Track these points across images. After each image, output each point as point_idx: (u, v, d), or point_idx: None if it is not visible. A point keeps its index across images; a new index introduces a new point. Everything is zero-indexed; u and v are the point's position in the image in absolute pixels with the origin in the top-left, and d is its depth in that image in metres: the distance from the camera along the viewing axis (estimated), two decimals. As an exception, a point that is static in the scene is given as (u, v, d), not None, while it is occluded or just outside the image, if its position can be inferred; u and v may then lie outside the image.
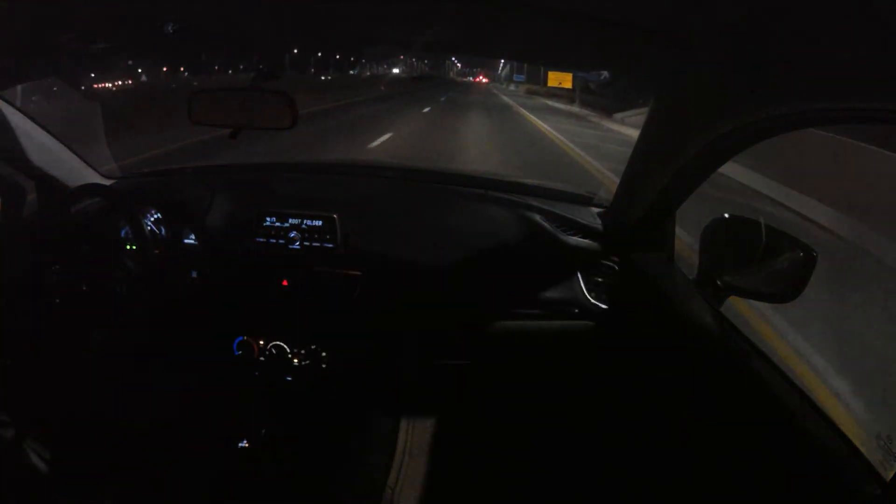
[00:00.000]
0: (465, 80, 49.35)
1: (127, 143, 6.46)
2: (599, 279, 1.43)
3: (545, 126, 12.75)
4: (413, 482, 1.47)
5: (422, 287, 1.46)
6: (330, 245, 1.45)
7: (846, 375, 2.43)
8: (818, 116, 0.71)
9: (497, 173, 3.54)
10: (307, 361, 1.50)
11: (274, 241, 1.47)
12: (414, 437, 1.56)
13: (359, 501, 1.45)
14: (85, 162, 1.55)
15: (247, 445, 1.47)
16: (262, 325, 1.51)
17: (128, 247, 1.40)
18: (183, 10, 0.92)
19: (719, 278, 1.07)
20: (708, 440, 1.00)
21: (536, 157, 8.31)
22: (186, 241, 1.49)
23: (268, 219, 1.48)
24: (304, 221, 1.46)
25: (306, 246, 1.46)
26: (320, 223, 1.46)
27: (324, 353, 1.49)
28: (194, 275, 1.47)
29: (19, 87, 1.45)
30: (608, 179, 6.35)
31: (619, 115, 14.11)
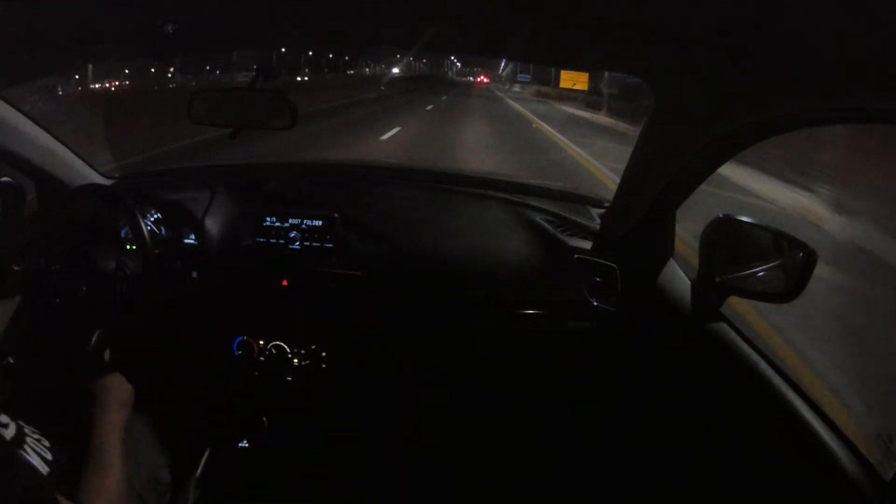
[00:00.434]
0: (464, 79, 49.02)
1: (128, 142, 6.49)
2: (599, 279, 1.43)
3: (588, 158, 7.81)
4: (413, 482, 1.47)
5: (422, 287, 1.46)
6: (330, 245, 1.45)
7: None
8: (818, 116, 0.71)
9: (497, 173, 3.53)
10: (307, 361, 1.50)
11: (274, 241, 1.47)
12: (414, 437, 1.56)
13: (359, 501, 1.45)
14: (85, 162, 1.55)
15: (247, 445, 1.48)
16: (262, 325, 1.51)
17: (128, 247, 1.40)
18: (183, 10, 0.91)
19: (719, 278, 1.07)
20: (708, 440, 1.01)
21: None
22: (186, 241, 1.49)
23: (268, 219, 1.48)
24: (304, 221, 1.46)
25: (306, 246, 1.46)
26: (320, 223, 1.46)
27: (324, 353, 1.49)
28: (194, 275, 1.47)
29: (19, 88, 1.45)
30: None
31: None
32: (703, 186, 1.09)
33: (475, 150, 8.70)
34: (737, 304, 2.79)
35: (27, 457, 0.82)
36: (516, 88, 32.76)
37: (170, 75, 18.36)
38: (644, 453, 1.25)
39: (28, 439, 0.86)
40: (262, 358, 1.51)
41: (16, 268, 1.36)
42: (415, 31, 1.00)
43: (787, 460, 0.80)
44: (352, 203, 1.52)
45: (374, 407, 1.60)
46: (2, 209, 1.43)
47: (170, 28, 0.91)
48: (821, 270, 1.09)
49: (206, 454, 1.49)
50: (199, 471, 1.45)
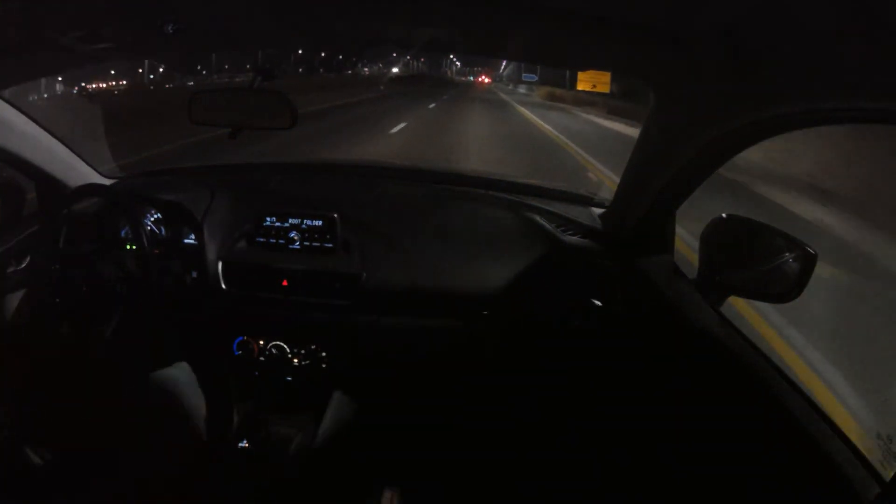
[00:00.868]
0: (464, 79, 48.70)
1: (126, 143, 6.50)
2: (599, 279, 1.43)
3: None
4: (414, 482, 1.47)
5: (422, 287, 1.46)
6: (330, 245, 1.45)
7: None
8: (818, 116, 0.71)
9: (497, 173, 3.54)
10: (307, 361, 1.50)
11: (274, 241, 1.47)
12: (414, 437, 1.56)
13: (359, 501, 1.45)
14: (85, 162, 1.55)
15: (247, 445, 1.47)
16: (262, 325, 1.51)
17: (128, 247, 1.40)
18: (183, 10, 0.92)
19: (719, 278, 1.07)
20: (708, 440, 1.01)
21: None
22: (186, 241, 1.49)
23: (268, 219, 1.48)
24: (304, 221, 1.46)
25: (306, 246, 1.46)
26: (320, 223, 1.46)
27: (324, 353, 1.49)
28: (194, 275, 1.47)
29: (19, 88, 1.45)
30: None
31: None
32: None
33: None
34: (737, 305, 2.79)
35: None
36: (521, 90, 28.77)
37: (152, 76, 18.04)
38: (644, 453, 1.25)
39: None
40: (262, 358, 1.51)
41: (16, 268, 1.37)
42: (415, 31, 1.00)
43: (786, 460, 0.80)
44: (352, 203, 1.52)
45: (374, 407, 1.60)
46: (2, 209, 1.43)
47: (170, 28, 0.91)
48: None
49: (207, 454, 1.49)
50: (199, 471, 1.45)
